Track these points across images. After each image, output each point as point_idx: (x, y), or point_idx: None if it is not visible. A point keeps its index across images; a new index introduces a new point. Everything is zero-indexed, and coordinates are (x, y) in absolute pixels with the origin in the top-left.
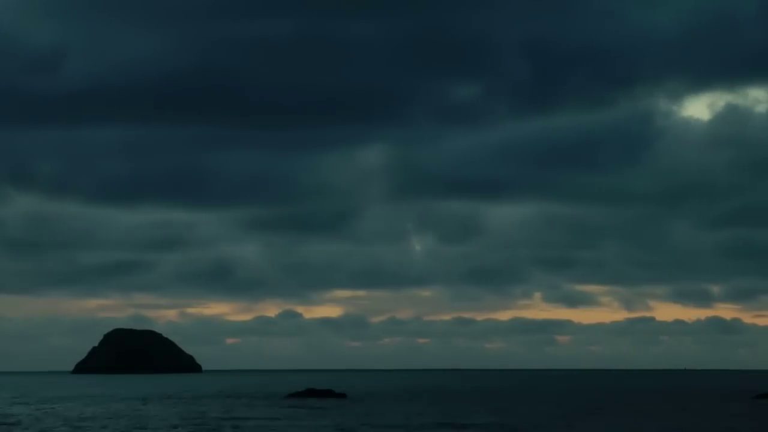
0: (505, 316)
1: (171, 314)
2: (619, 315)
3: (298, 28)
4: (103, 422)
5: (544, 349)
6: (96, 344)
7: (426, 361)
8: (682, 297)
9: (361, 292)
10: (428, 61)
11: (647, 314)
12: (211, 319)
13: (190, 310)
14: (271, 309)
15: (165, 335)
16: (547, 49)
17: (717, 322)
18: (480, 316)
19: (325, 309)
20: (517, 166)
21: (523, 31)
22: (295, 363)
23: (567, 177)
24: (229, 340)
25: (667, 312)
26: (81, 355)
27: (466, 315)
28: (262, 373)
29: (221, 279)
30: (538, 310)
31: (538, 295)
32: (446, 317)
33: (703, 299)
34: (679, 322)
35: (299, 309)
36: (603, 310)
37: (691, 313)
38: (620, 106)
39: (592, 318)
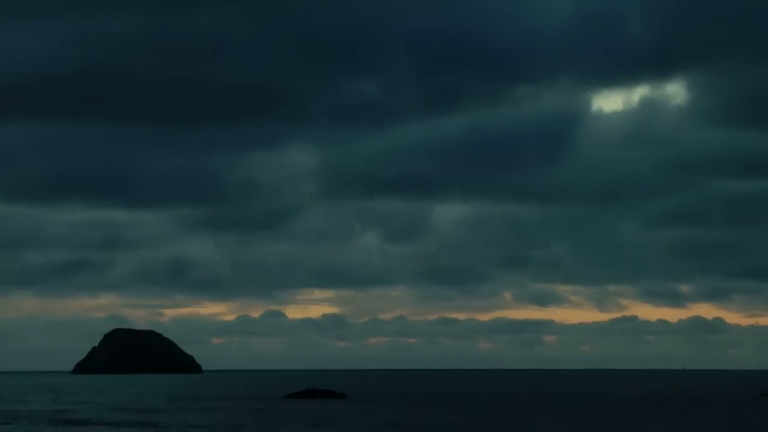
0: (484, 316)
1: (140, 314)
2: (603, 315)
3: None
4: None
5: (534, 349)
6: (95, 344)
7: (413, 361)
8: (651, 297)
9: (328, 293)
10: (316, 58)
11: (627, 314)
12: (194, 319)
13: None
14: (250, 309)
15: (165, 335)
16: (437, 47)
17: (699, 322)
18: (461, 316)
19: (303, 309)
20: (444, 165)
21: (410, 29)
22: (279, 363)
23: (493, 175)
24: (216, 340)
25: (643, 311)
26: (81, 354)
27: (449, 315)
28: (262, 373)
29: (179, 278)
30: (516, 310)
31: (507, 294)
32: (429, 317)
33: (675, 299)
34: (662, 322)
35: (278, 309)
36: (584, 311)
37: (669, 313)
38: (522, 104)
39: (575, 318)
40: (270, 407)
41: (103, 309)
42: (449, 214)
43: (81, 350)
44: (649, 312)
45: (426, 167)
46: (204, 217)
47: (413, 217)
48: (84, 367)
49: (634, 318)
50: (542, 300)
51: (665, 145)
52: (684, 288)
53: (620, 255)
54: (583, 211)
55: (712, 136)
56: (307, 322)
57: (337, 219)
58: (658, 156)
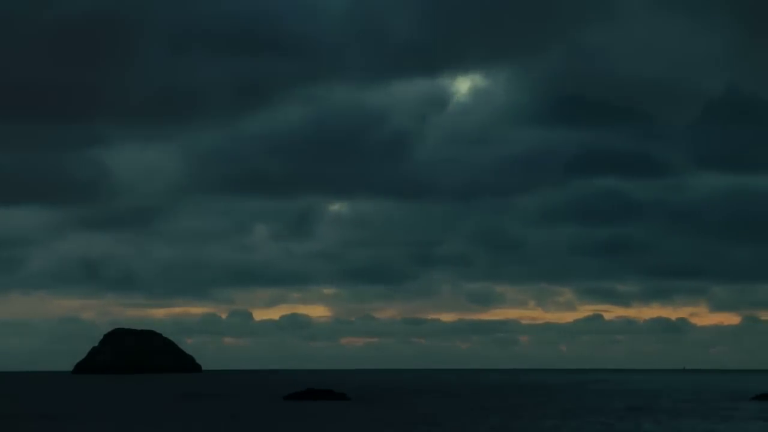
0: (447, 317)
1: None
2: (569, 315)
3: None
4: None
5: (512, 349)
6: (96, 344)
7: (382, 361)
8: (591, 295)
9: (264, 291)
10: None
11: (590, 313)
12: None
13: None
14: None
15: (165, 335)
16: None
17: (664, 322)
18: (420, 315)
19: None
20: (306, 160)
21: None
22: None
23: (362, 171)
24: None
25: (587, 310)
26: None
27: (411, 316)
28: (262, 372)
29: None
30: (476, 311)
31: (447, 293)
32: (394, 317)
33: (618, 298)
34: (629, 321)
35: (214, 310)
36: (550, 311)
37: (625, 312)
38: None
39: (541, 318)
40: (271, 407)
41: None
42: (339, 212)
43: None
44: (588, 310)
45: (290, 163)
46: (79, 217)
47: (309, 215)
48: (84, 367)
49: (599, 316)
50: (484, 300)
51: (493, 143)
52: (620, 287)
53: (529, 253)
54: (452, 208)
55: (529, 134)
56: (269, 324)
57: (227, 217)
58: (494, 153)
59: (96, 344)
